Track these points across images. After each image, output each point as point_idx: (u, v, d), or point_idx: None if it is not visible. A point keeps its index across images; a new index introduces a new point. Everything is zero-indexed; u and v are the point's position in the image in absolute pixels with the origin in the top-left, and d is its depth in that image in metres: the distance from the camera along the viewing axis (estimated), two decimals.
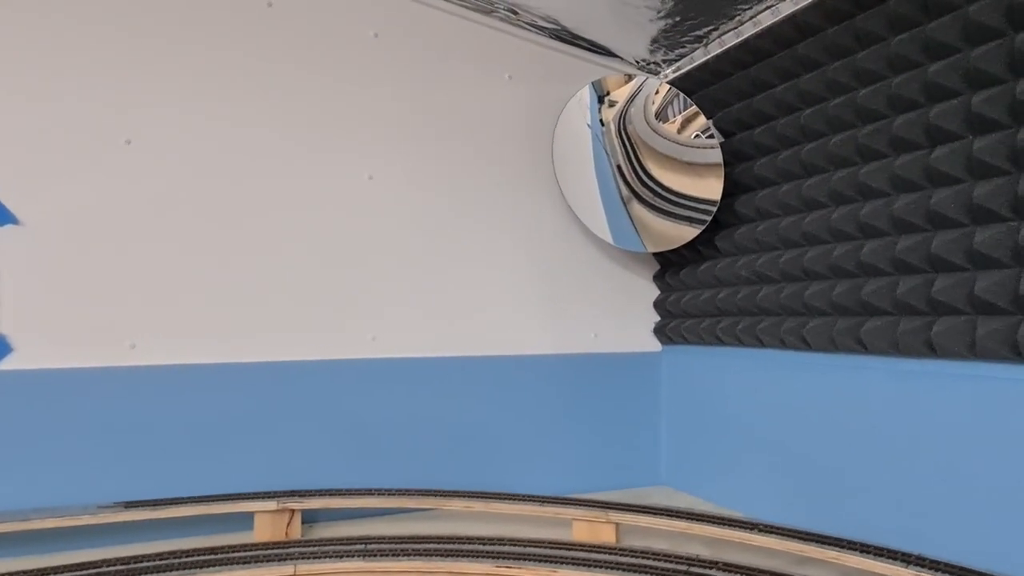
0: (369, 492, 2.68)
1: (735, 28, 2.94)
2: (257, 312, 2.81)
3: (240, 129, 2.82)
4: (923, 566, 1.89)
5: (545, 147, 3.24)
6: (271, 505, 2.57)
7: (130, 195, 2.67)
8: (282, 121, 2.89)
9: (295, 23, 2.92)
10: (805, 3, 2.56)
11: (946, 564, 1.88)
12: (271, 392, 2.80)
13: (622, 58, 3.39)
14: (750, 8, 2.78)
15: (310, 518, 2.72)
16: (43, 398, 2.52)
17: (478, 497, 2.64)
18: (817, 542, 2.09)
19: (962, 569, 1.85)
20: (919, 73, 2.15)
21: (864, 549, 2.02)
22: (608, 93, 3.35)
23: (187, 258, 2.73)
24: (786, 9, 2.67)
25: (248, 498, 2.59)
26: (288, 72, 2.90)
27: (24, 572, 2.10)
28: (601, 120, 3.33)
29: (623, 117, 3.30)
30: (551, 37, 3.35)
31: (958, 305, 2.03)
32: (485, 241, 3.20)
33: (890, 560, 1.94)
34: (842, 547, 2.05)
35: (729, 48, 2.93)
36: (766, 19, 2.76)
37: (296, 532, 2.60)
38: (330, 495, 2.65)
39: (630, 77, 3.31)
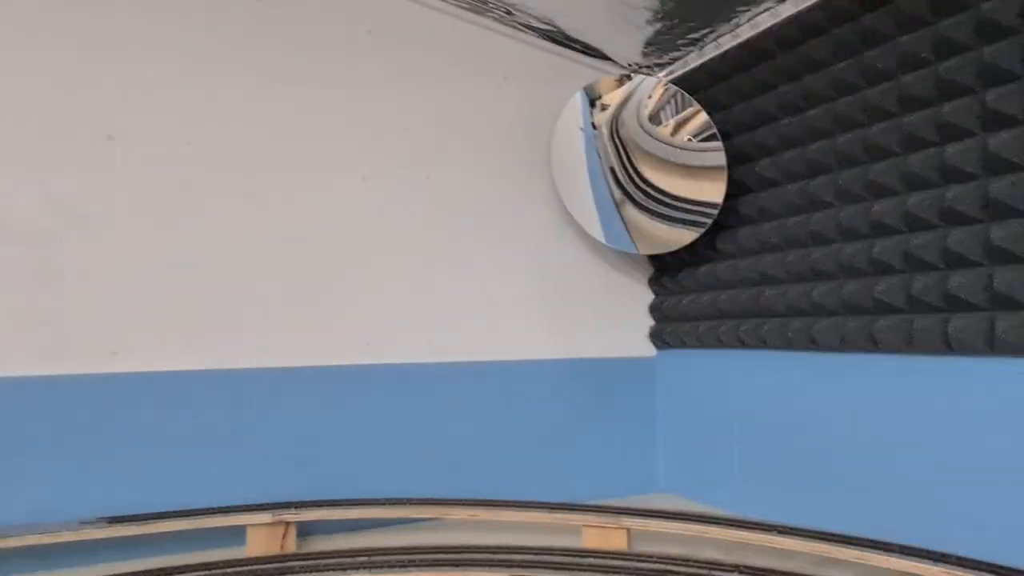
0: (369, 502, 2.57)
1: (732, 31, 2.94)
2: (246, 317, 2.69)
3: (228, 125, 2.71)
4: (951, 563, 1.87)
5: (541, 148, 3.20)
6: (266, 518, 2.44)
7: (112, 195, 2.53)
8: (273, 117, 2.79)
9: (286, 17, 2.82)
10: (806, 4, 2.58)
11: (973, 560, 1.86)
12: (263, 400, 2.68)
13: (615, 61, 3.38)
14: (748, 10, 2.79)
15: (305, 531, 2.60)
16: (19, 407, 2.37)
17: (484, 505, 2.55)
18: (839, 542, 2.06)
19: (992, 565, 1.83)
20: (930, 71, 2.16)
21: (888, 548, 1.99)
22: (600, 96, 3.32)
23: (171, 261, 2.60)
24: (786, 11, 2.68)
25: (241, 511, 2.46)
26: (278, 67, 2.80)
27: None
28: (593, 123, 3.30)
29: (616, 120, 3.28)
30: (545, 39, 3.31)
31: (975, 301, 2.03)
32: (481, 243, 3.14)
33: (918, 559, 1.91)
34: (866, 547, 2.02)
35: (727, 50, 2.93)
36: (764, 21, 2.77)
37: (291, 546, 2.47)
38: (328, 506, 2.53)
39: (622, 80, 3.29)
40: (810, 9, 2.52)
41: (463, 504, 2.57)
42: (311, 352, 2.79)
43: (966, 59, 2.06)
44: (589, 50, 3.34)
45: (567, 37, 3.28)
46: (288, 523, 2.47)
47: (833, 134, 2.50)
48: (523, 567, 2.15)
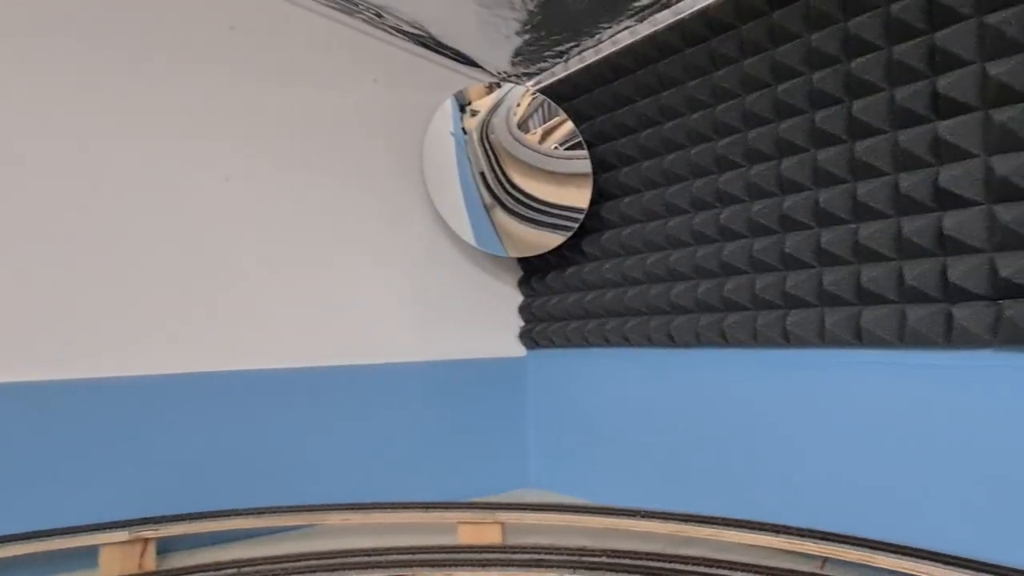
0: (235, 513, 2.47)
1: (595, 46, 3.10)
2: (103, 323, 2.52)
3: (75, 121, 2.52)
4: (792, 534, 2.08)
5: (412, 151, 3.21)
6: (121, 536, 2.29)
7: None
8: (127, 115, 2.62)
9: (143, 6, 2.67)
10: (662, 26, 2.77)
11: (809, 530, 2.08)
12: (118, 410, 2.51)
13: (485, 69, 3.46)
14: (609, 28, 2.95)
15: (165, 548, 2.46)
16: None
17: (357, 509, 2.53)
18: (696, 522, 2.23)
19: (824, 533, 2.06)
20: (769, 92, 2.39)
21: (739, 524, 2.18)
22: (470, 102, 3.39)
23: (19, 262, 2.39)
24: (644, 31, 2.86)
25: (91, 530, 2.29)
26: (134, 61, 2.64)
27: None
28: (464, 129, 3.36)
29: (486, 126, 3.36)
30: (415, 43, 3.33)
31: (809, 298, 2.27)
32: (351, 246, 3.10)
33: (762, 532, 2.11)
34: (718, 525, 2.20)
35: (591, 63, 3.08)
36: (624, 39, 2.95)
37: (150, 564, 2.34)
38: (191, 519, 2.41)
39: (492, 88, 3.38)
40: (665, 30, 2.71)
41: (336, 509, 2.54)
42: (170, 358, 2.65)
43: (799, 83, 2.31)
44: (460, 57, 3.40)
45: (438, 43, 3.32)
46: (147, 540, 2.33)
47: (687, 146, 2.70)
48: (400, 567, 2.16)
